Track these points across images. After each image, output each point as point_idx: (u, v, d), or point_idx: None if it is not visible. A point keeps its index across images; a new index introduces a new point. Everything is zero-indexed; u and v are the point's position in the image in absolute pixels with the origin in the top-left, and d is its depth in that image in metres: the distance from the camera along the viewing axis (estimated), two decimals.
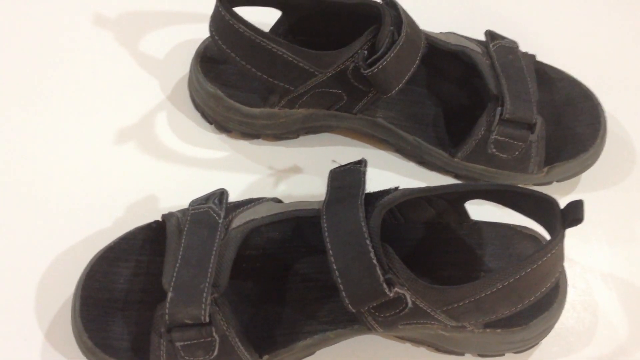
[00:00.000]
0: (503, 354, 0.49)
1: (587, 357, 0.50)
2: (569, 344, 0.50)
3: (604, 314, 0.51)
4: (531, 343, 0.48)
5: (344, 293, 0.41)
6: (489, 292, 0.41)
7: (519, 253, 0.50)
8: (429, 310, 0.42)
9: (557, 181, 0.57)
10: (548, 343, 0.49)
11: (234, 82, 0.56)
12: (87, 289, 0.46)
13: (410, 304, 0.41)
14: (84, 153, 0.57)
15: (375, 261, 0.40)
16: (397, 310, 0.42)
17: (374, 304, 0.41)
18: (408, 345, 0.49)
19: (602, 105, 0.57)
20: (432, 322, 0.43)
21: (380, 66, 0.49)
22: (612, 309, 0.52)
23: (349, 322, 0.46)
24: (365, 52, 0.50)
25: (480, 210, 0.52)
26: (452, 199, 0.49)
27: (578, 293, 0.52)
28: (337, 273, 0.41)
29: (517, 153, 0.53)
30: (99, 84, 0.61)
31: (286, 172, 0.57)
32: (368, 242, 0.41)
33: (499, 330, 0.46)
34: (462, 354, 0.49)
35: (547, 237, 0.49)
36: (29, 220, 0.53)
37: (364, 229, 0.41)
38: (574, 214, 0.41)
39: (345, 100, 0.54)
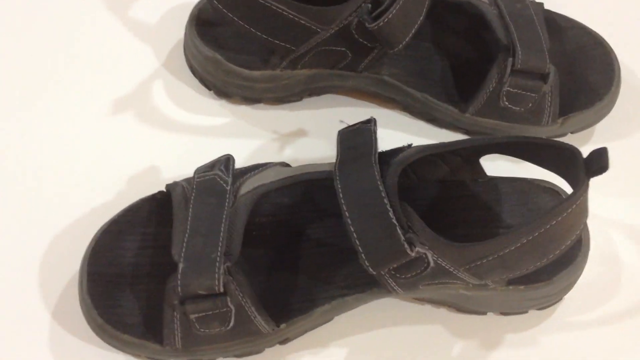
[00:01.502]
0: (526, 311, 0.47)
1: (610, 311, 0.48)
2: (591, 298, 0.49)
3: (626, 266, 0.50)
4: (554, 299, 0.47)
5: (363, 255, 0.39)
6: (513, 248, 0.39)
7: (537, 207, 0.48)
8: (451, 269, 0.40)
9: (572, 133, 0.55)
10: (571, 298, 0.48)
11: (232, 44, 0.54)
12: (93, 264, 0.44)
13: (432, 264, 0.40)
14: (79, 127, 0.55)
15: (394, 220, 0.38)
16: (419, 271, 0.40)
17: (395, 265, 0.40)
18: (427, 306, 0.48)
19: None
20: (454, 281, 0.42)
21: (386, 19, 0.47)
22: (634, 262, 0.50)
23: (368, 286, 0.44)
24: (369, 5, 0.48)
25: (495, 166, 0.50)
26: (467, 155, 0.47)
27: (599, 247, 0.50)
28: (355, 235, 0.39)
29: (530, 105, 0.52)
30: (90, 56, 0.58)
31: (291, 136, 0.55)
32: (386, 201, 0.39)
33: (522, 287, 0.45)
34: (484, 313, 0.47)
35: (566, 189, 0.48)
36: (27, 198, 0.51)
37: (381, 187, 0.39)
38: (598, 162, 0.39)
39: (350, 58, 0.52)
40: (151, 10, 0.61)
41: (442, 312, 0.48)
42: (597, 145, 0.56)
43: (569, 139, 0.55)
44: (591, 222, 0.51)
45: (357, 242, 0.39)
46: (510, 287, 0.45)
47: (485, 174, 0.49)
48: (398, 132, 0.56)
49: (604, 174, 0.39)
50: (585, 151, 0.41)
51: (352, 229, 0.39)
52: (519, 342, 0.47)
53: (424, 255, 0.39)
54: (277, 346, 0.45)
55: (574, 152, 0.41)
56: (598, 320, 0.48)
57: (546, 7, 0.57)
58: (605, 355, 0.47)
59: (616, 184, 0.54)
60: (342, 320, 0.46)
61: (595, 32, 0.57)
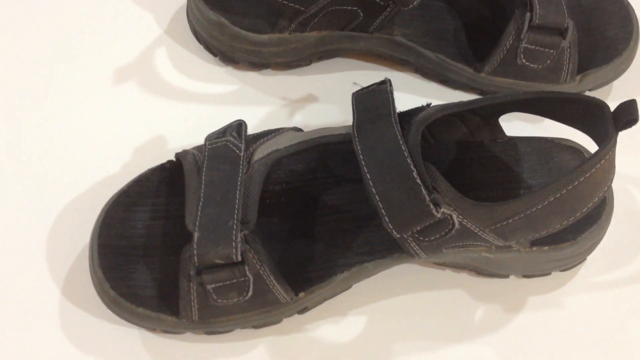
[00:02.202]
0: (549, 273, 0.46)
1: (634, 270, 0.47)
2: (615, 258, 0.48)
3: None
4: (578, 259, 0.46)
5: (386, 218, 0.38)
6: (540, 206, 0.38)
7: (559, 167, 0.47)
8: (476, 230, 0.39)
9: (590, 90, 0.53)
10: (594, 258, 0.47)
11: (238, 7, 0.52)
12: (104, 236, 0.43)
13: (457, 225, 0.38)
14: (82, 98, 0.53)
15: (419, 180, 0.37)
16: (443, 233, 0.39)
17: (419, 228, 0.38)
18: (448, 271, 0.47)
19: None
20: (478, 243, 0.40)
21: None
22: None
23: (388, 251, 0.43)
24: None
25: (511, 127, 0.49)
26: (486, 114, 0.46)
27: (622, 205, 0.49)
28: (377, 197, 0.38)
29: (548, 62, 0.50)
30: (89, 25, 0.56)
31: (301, 102, 0.53)
32: (409, 161, 0.37)
33: (546, 248, 0.44)
34: (506, 276, 0.46)
35: (588, 146, 0.47)
36: (32, 172, 0.49)
37: (403, 147, 0.38)
38: (627, 114, 0.38)
39: (361, 18, 0.50)
40: None
41: (463, 276, 0.47)
42: (615, 101, 0.54)
43: None
44: (613, 181, 0.50)
45: (380, 204, 0.38)
46: (534, 249, 0.44)
47: (504, 133, 0.47)
48: (411, 94, 0.54)
49: (624, 131, 0.38)
50: None
51: (374, 191, 0.38)
52: (543, 304, 0.46)
53: (448, 217, 0.38)
54: (296, 316, 0.44)
55: (600, 105, 0.39)
56: (622, 280, 0.47)
57: None
58: (630, 314, 0.46)
59: (635, 140, 0.52)
60: (361, 288, 0.45)
61: None
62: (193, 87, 0.54)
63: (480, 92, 0.54)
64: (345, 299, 0.45)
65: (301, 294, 0.42)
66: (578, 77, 0.52)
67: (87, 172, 0.49)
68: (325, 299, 0.44)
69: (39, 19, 0.56)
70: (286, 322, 0.44)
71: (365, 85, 0.45)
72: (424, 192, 0.37)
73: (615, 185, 0.47)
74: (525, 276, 0.46)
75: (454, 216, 0.38)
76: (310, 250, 0.44)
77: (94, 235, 0.43)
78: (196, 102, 0.53)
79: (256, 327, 0.43)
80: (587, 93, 0.53)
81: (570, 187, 0.37)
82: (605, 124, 0.39)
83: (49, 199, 0.48)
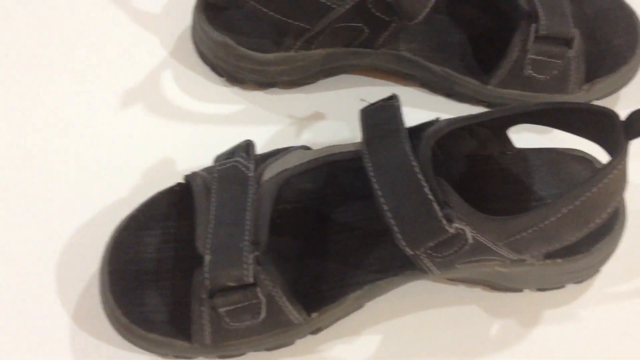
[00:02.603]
0: (563, 286, 0.46)
1: None
2: (629, 268, 0.47)
3: None
4: (592, 271, 0.45)
5: (399, 235, 0.37)
6: (553, 219, 0.37)
7: (570, 177, 0.46)
8: (489, 245, 0.38)
9: (597, 99, 0.53)
10: (608, 269, 0.46)
11: (242, 27, 0.52)
12: (114, 262, 0.42)
13: (470, 240, 0.38)
14: (89, 122, 0.53)
15: (431, 196, 0.37)
16: (457, 248, 0.38)
17: (432, 244, 0.38)
18: (461, 287, 0.46)
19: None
20: (492, 258, 0.40)
21: None
22: None
23: (401, 269, 0.42)
24: None
25: (520, 138, 0.48)
26: (495, 127, 0.46)
27: (633, 213, 0.49)
28: (389, 214, 0.37)
29: (555, 72, 0.50)
30: (95, 48, 0.56)
31: (308, 120, 0.53)
32: (420, 176, 0.37)
33: (559, 260, 0.43)
34: (520, 290, 0.46)
35: (598, 156, 0.46)
36: (38, 198, 0.49)
37: (414, 162, 0.38)
38: (638, 123, 0.37)
39: (367, 34, 0.50)
40: None
41: (477, 291, 0.46)
42: (623, 111, 0.54)
43: None
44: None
45: (392, 220, 0.37)
46: (548, 261, 0.43)
47: (513, 146, 0.47)
48: (417, 109, 0.54)
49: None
50: None
51: (386, 208, 0.37)
52: (558, 317, 0.45)
53: (462, 232, 0.37)
54: (309, 337, 0.43)
55: (610, 115, 0.39)
56: (636, 291, 0.46)
57: None
58: None
59: None
60: (374, 306, 0.45)
61: None
62: (200, 108, 0.54)
63: (488, 105, 0.53)
64: (358, 318, 0.45)
65: (314, 315, 0.42)
66: (586, 87, 0.51)
67: (95, 197, 0.49)
68: (338, 319, 0.44)
69: (44, 40, 0.57)
70: (299, 343, 0.43)
71: (372, 101, 0.45)
72: (436, 207, 0.37)
73: (627, 194, 0.47)
74: (539, 289, 0.46)
75: (467, 231, 0.37)
76: (322, 269, 0.44)
77: (104, 261, 0.43)
78: (203, 123, 0.53)
79: (269, 349, 0.43)
80: (595, 102, 0.53)
81: (583, 198, 0.37)
82: (616, 133, 0.38)
83: (58, 225, 0.48)
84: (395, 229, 0.37)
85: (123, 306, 0.41)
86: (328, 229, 0.45)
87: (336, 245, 0.44)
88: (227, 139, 0.51)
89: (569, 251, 0.43)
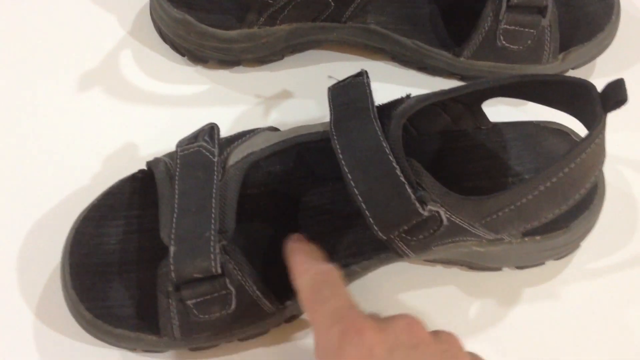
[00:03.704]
0: (543, 263, 0.45)
1: (629, 255, 0.46)
2: (609, 242, 0.46)
3: None
4: (572, 247, 0.44)
5: (371, 220, 0.36)
6: (530, 197, 0.36)
7: (547, 151, 0.45)
8: (465, 226, 0.37)
9: (572, 69, 0.52)
10: (588, 244, 0.45)
11: (203, 3, 0.49)
12: (76, 255, 0.40)
13: (445, 222, 0.36)
14: (44, 107, 0.50)
15: (402, 178, 0.35)
16: (432, 231, 0.37)
17: (406, 227, 0.36)
18: (438, 267, 0.45)
19: None
20: (468, 238, 0.39)
21: None
22: None
23: (375, 252, 0.41)
24: None
25: (496, 112, 0.47)
26: (469, 101, 0.44)
27: (612, 186, 0.48)
28: (360, 198, 0.36)
29: (529, 42, 0.48)
30: (50, 26, 0.54)
31: (275, 99, 0.51)
32: (391, 157, 0.35)
33: (538, 238, 0.42)
34: (499, 269, 0.45)
35: (575, 128, 0.45)
36: None
37: (384, 144, 0.36)
38: (615, 94, 0.36)
39: (332, 8, 0.48)
40: None
41: (455, 271, 0.45)
42: (599, 79, 0.53)
43: (570, 75, 0.52)
44: None
45: (364, 205, 0.36)
46: (526, 239, 0.42)
47: (488, 120, 0.46)
48: (389, 84, 0.52)
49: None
50: None
51: (357, 192, 0.36)
52: (538, 295, 0.44)
53: (436, 214, 0.36)
54: (283, 325, 0.42)
55: (587, 86, 0.38)
56: (618, 265, 0.46)
57: None
58: (628, 300, 0.44)
59: (623, 117, 0.51)
60: (350, 290, 0.43)
61: None
62: (161, 89, 0.51)
63: (461, 77, 0.52)
64: None
65: (287, 303, 0.40)
66: (560, 56, 0.50)
67: (53, 186, 0.46)
68: None
69: None
70: (273, 332, 0.42)
71: (341, 78, 0.43)
72: (409, 190, 0.35)
73: (605, 166, 0.46)
74: (518, 267, 0.45)
75: (442, 213, 0.36)
76: None
77: (64, 254, 0.40)
78: (166, 105, 0.50)
79: (242, 339, 0.41)
80: (571, 71, 0.52)
81: (560, 174, 0.36)
82: (593, 105, 0.37)
83: (16, 217, 0.45)
84: (367, 213, 0.36)
85: (86, 300, 0.39)
86: (298, 213, 0.43)
87: (308, 229, 0.43)
88: (191, 121, 0.49)
89: (548, 228, 0.42)
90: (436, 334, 0.34)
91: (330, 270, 0.36)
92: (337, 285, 0.35)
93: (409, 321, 0.33)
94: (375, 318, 0.34)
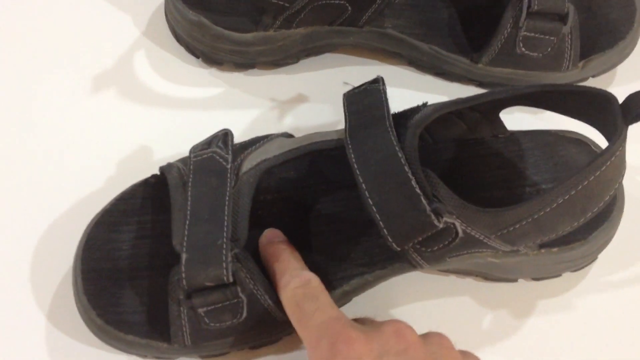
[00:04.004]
0: (560, 274, 0.44)
1: None
2: (627, 254, 0.45)
3: None
4: (590, 259, 0.44)
5: (385, 230, 0.35)
6: (548, 209, 0.35)
7: (565, 161, 0.44)
8: (481, 238, 0.36)
9: (593, 77, 0.51)
10: (606, 256, 0.44)
11: (218, 5, 0.49)
12: (87, 260, 0.40)
13: (461, 233, 0.36)
14: (58, 109, 0.50)
15: (418, 190, 0.34)
16: (447, 242, 0.36)
17: (420, 239, 0.36)
18: (453, 277, 0.44)
19: None
20: (484, 250, 0.38)
21: None
22: None
23: (389, 261, 0.40)
24: None
25: (513, 119, 0.46)
26: (486, 110, 0.43)
27: (631, 197, 0.47)
28: (374, 209, 0.35)
29: (549, 49, 0.47)
30: (64, 29, 0.53)
31: (291, 103, 0.51)
32: (407, 168, 0.35)
33: (555, 249, 0.41)
34: (514, 280, 0.44)
35: (594, 137, 0.44)
36: (7, 193, 0.46)
37: (400, 154, 0.35)
38: (637, 107, 0.35)
39: (350, 12, 0.47)
40: None
41: (469, 282, 0.44)
42: (620, 87, 0.52)
43: (590, 83, 0.51)
44: None
45: (378, 216, 0.35)
46: (543, 251, 0.41)
47: (505, 128, 0.45)
48: (405, 89, 0.52)
49: None
50: None
51: (371, 202, 0.35)
52: (554, 307, 0.44)
53: (452, 225, 0.35)
54: (295, 334, 0.41)
55: (608, 97, 0.37)
56: (636, 277, 0.45)
57: None
58: None
59: None
60: (362, 299, 0.43)
61: None
62: (175, 91, 0.51)
63: (479, 84, 0.51)
64: (346, 312, 0.43)
65: None
66: (581, 64, 0.49)
67: (66, 189, 0.46)
68: None
69: (10, 23, 0.54)
70: (285, 340, 0.41)
71: (357, 83, 0.43)
72: (424, 201, 0.34)
73: (625, 177, 0.45)
74: (534, 279, 0.44)
75: (457, 225, 0.35)
76: (307, 263, 0.41)
77: (76, 259, 0.40)
78: (180, 107, 0.50)
79: (253, 347, 0.41)
80: (591, 79, 0.51)
81: (579, 187, 0.35)
82: (613, 117, 0.36)
83: (29, 221, 0.45)
84: (382, 224, 0.35)
85: (97, 307, 0.39)
86: (312, 221, 0.43)
87: (321, 237, 0.42)
88: (206, 124, 0.49)
89: (565, 240, 0.41)
90: (425, 336, 0.35)
91: (309, 282, 0.36)
92: (319, 297, 0.36)
93: (397, 327, 0.34)
94: (363, 326, 0.34)
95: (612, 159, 0.35)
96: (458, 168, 0.44)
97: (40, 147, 0.48)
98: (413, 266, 0.39)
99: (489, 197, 0.43)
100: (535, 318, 0.43)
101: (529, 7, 0.45)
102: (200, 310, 0.37)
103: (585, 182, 0.35)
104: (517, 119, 0.48)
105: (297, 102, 0.51)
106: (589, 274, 0.45)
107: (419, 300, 0.44)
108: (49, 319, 0.42)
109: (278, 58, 0.50)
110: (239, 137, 0.48)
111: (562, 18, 0.46)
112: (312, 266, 0.41)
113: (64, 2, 0.55)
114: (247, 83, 0.51)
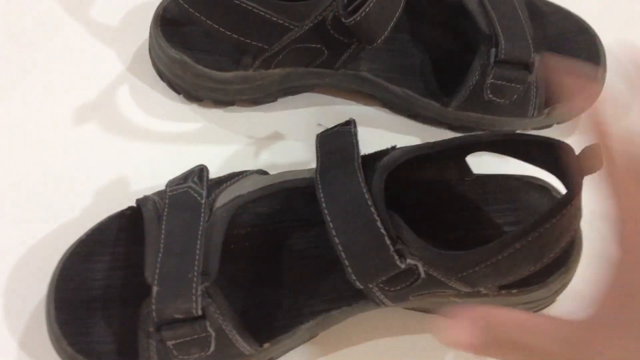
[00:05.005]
0: None
1: None
2: (585, 297, 0.47)
3: None
4: (548, 301, 0.45)
5: (350, 269, 0.37)
6: (506, 254, 0.37)
7: (527, 206, 0.46)
8: (442, 279, 0.38)
9: (557, 123, 0.53)
10: (565, 298, 0.46)
11: (200, 45, 0.51)
12: (61, 290, 0.41)
13: (423, 275, 0.37)
14: (39, 138, 0.51)
15: (383, 231, 0.36)
16: (409, 282, 0.38)
17: (384, 278, 0.37)
18: (418, 314, 0.46)
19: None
20: (445, 290, 0.40)
21: (363, 13, 0.44)
22: None
23: (354, 298, 0.42)
24: None
25: (480, 162, 0.48)
26: (453, 154, 0.45)
27: (590, 242, 0.48)
28: (340, 247, 0.37)
29: (515, 97, 0.49)
30: (49, 61, 0.55)
31: (267, 140, 0.52)
32: (373, 209, 0.36)
33: (514, 291, 0.43)
34: None
35: (556, 185, 0.46)
36: None
37: (367, 195, 0.37)
38: (592, 159, 0.37)
39: (326, 55, 0.49)
40: (112, 10, 0.58)
41: (433, 319, 0.46)
42: (585, 135, 0.54)
43: (554, 129, 0.53)
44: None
45: (343, 254, 0.37)
46: (503, 292, 0.43)
47: (471, 172, 0.47)
48: (379, 129, 0.54)
49: None
50: (572, 141, 0.39)
51: (338, 241, 0.37)
52: None
53: (414, 267, 0.37)
54: None
55: (566, 149, 0.39)
56: None
57: None
58: None
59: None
60: (328, 334, 0.44)
61: (578, 17, 0.55)
62: (156, 126, 0.52)
63: (449, 126, 0.53)
64: (312, 347, 0.44)
65: (266, 345, 0.41)
66: (546, 111, 0.51)
67: (44, 219, 0.47)
68: (290, 349, 0.43)
69: None
70: None
71: (332, 123, 0.45)
72: (388, 242, 0.36)
73: (583, 221, 0.47)
74: None
75: (420, 266, 0.37)
76: (276, 297, 0.43)
77: (50, 288, 0.41)
78: (160, 141, 0.52)
79: None
80: (555, 126, 0.53)
81: (537, 233, 0.37)
82: (571, 167, 0.38)
83: (4, 249, 0.46)
84: (347, 262, 0.37)
85: (69, 335, 0.40)
86: (282, 256, 0.44)
87: (290, 272, 0.44)
88: (184, 159, 0.50)
89: (525, 282, 0.42)
90: None
91: None
92: None
93: None
94: None
95: (569, 207, 0.37)
96: (425, 209, 0.46)
97: (19, 176, 0.49)
98: (377, 304, 0.40)
99: (453, 238, 0.45)
100: None
101: (496, 55, 0.48)
102: (169, 343, 0.38)
103: (542, 229, 0.37)
104: (485, 162, 0.49)
105: (274, 139, 0.52)
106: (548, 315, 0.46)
107: (384, 335, 0.45)
108: (21, 347, 0.43)
109: (257, 96, 0.52)
110: (216, 172, 0.49)
111: (528, 67, 0.48)
112: (281, 301, 0.43)
113: (50, 34, 0.56)
114: (226, 120, 0.53)
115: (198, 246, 0.39)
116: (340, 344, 0.45)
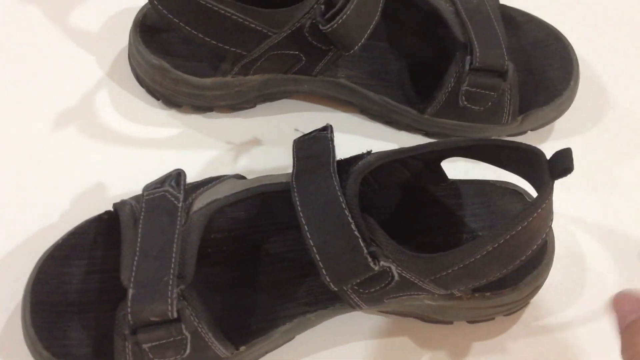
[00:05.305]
0: (493, 318, 0.46)
1: (578, 312, 0.47)
2: (558, 300, 0.48)
3: (591, 265, 0.49)
4: (521, 304, 0.46)
5: (324, 271, 0.37)
6: (478, 256, 0.38)
7: (501, 210, 0.47)
8: (416, 281, 0.38)
9: (532, 130, 0.54)
10: (538, 301, 0.47)
11: (179, 51, 0.51)
12: (37, 293, 0.41)
13: (396, 277, 0.38)
14: (17, 142, 0.51)
15: (357, 233, 0.36)
16: (383, 285, 0.38)
17: (358, 280, 0.38)
18: (393, 317, 0.46)
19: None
20: (420, 293, 0.40)
21: (340, 20, 0.45)
22: (599, 259, 0.50)
23: (330, 301, 0.42)
24: (322, 6, 0.46)
25: (455, 167, 0.49)
26: (428, 159, 0.46)
27: (563, 246, 0.49)
28: (315, 250, 0.37)
29: (489, 104, 0.50)
30: (28, 66, 0.55)
31: (245, 145, 0.53)
32: (347, 212, 0.37)
33: (488, 294, 0.44)
34: (450, 323, 0.46)
35: (529, 190, 0.47)
36: None
37: (341, 199, 0.38)
38: (562, 163, 0.38)
39: (304, 62, 0.49)
40: (92, 16, 0.58)
41: (409, 322, 0.46)
42: (557, 141, 0.56)
43: (528, 136, 0.54)
44: (555, 221, 0.50)
45: (318, 257, 0.37)
46: (477, 295, 0.43)
47: (446, 177, 0.47)
48: (356, 135, 0.54)
49: None
50: (545, 148, 0.40)
51: (312, 244, 0.37)
52: (487, 349, 0.46)
53: (388, 269, 0.37)
54: None
55: (536, 154, 0.40)
56: (565, 323, 0.47)
57: (502, 1, 0.56)
58: (576, 356, 0.46)
59: (578, 179, 0.53)
60: (304, 338, 0.44)
61: (552, 27, 0.56)
62: (135, 131, 0.52)
63: (425, 133, 0.54)
64: (288, 350, 0.44)
65: (242, 348, 0.41)
66: (520, 118, 0.52)
67: (21, 222, 0.47)
68: (267, 352, 0.43)
69: None
70: None
71: (309, 129, 0.45)
72: (362, 244, 0.37)
73: (556, 226, 0.48)
74: (469, 322, 0.46)
75: (393, 268, 0.38)
76: (252, 300, 0.43)
77: (26, 292, 0.41)
78: (138, 147, 0.52)
79: None
80: (529, 133, 0.54)
81: (508, 236, 0.37)
82: (542, 172, 0.39)
83: None
84: (321, 264, 0.37)
85: (44, 339, 0.40)
86: (259, 259, 0.45)
87: (267, 276, 0.44)
88: (162, 164, 0.51)
89: (498, 285, 0.43)
90: None
91: None
92: None
93: None
94: None
95: (539, 211, 0.38)
96: (400, 213, 0.47)
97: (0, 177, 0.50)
98: (352, 307, 0.41)
99: (428, 242, 0.46)
100: (469, 359, 0.45)
101: (471, 63, 0.48)
102: (145, 346, 0.38)
103: (513, 232, 0.37)
104: (459, 167, 0.50)
105: (252, 145, 0.53)
106: (521, 318, 0.47)
107: (360, 339, 0.45)
108: None
109: (235, 102, 0.53)
110: (194, 177, 0.50)
111: (502, 75, 0.49)
112: (257, 304, 0.43)
113: (29, 39, 0.56)
114: (204, 125, 0.53)
115: (174, 249, 0.39)
116: (316, 347, 0.45)
